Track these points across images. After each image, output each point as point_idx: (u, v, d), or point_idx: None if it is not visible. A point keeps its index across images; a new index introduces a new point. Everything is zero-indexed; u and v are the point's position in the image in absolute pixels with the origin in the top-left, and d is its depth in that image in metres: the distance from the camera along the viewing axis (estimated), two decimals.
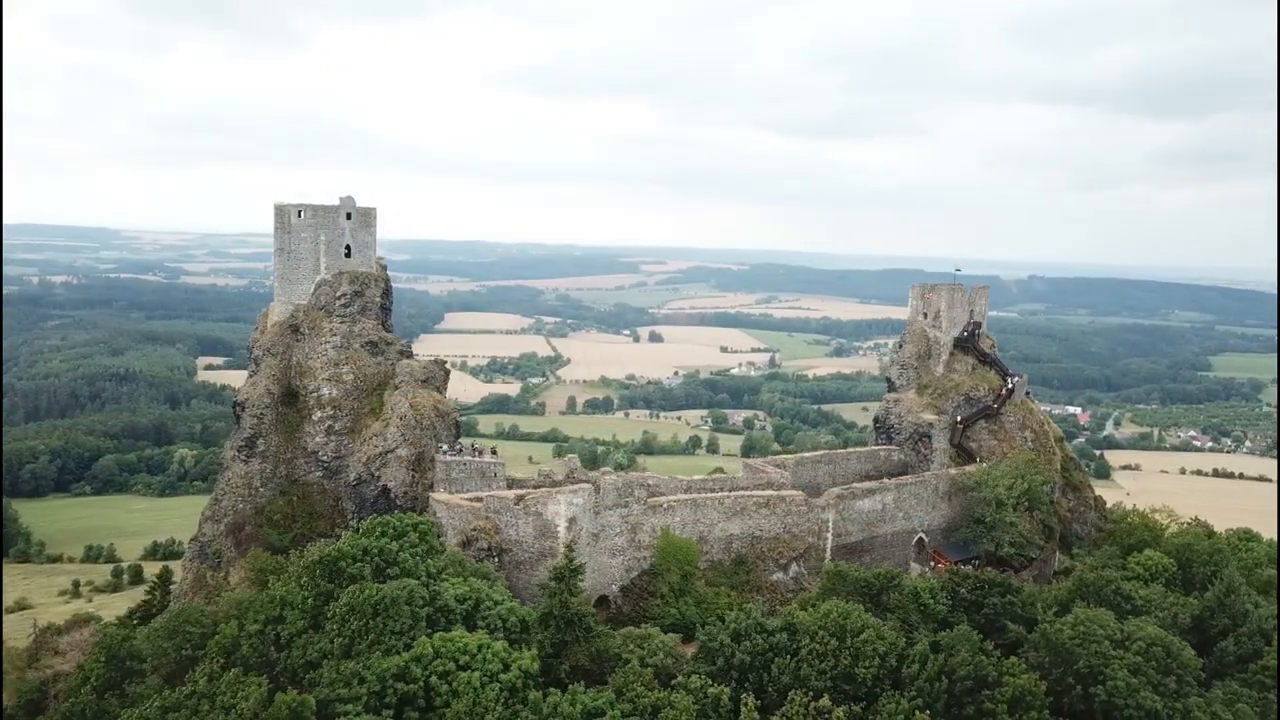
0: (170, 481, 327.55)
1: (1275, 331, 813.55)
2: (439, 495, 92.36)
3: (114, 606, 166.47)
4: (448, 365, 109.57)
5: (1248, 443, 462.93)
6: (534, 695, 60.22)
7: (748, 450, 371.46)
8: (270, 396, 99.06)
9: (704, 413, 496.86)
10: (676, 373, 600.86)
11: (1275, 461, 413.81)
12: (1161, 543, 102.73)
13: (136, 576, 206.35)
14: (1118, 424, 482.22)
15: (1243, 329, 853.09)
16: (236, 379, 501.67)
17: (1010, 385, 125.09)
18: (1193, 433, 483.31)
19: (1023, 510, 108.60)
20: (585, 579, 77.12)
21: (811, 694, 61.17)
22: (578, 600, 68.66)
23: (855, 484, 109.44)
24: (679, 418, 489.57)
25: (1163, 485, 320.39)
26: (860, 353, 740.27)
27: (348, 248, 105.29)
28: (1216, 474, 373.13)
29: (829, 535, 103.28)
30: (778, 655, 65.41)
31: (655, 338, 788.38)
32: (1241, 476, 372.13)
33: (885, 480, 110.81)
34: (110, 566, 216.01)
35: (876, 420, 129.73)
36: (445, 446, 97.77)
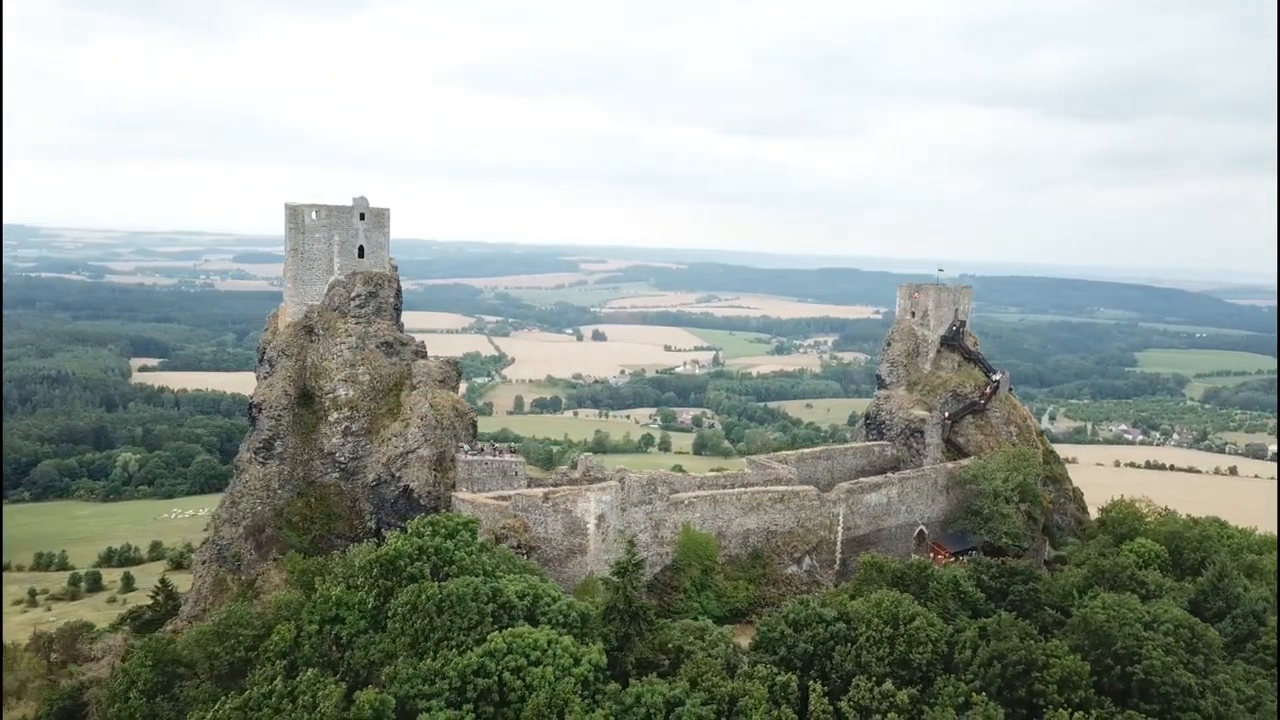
0: (114, 486, 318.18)
1: (1198, 329, 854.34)
2: (463, 495, 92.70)
3: (79, 614, 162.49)
4: (459, 366, 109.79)
5: (1175, 436, 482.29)
6: (612, 687, 61.38)
7: (699, 448, 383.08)
8: (287, 398, 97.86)
9: (652, 411, 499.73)
10: (623, 371, 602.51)
11: (1203, 454, 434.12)
12: (1150, 531, 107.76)
13: (95, 584, 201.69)
14: (1053, 419, 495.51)
15: (1164, 325, 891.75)
16: (173, 380, 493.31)
17: (995, 381, 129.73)
18: (1123, 426, 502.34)
19: (1015, 502, 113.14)
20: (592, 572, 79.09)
21: (874, 679, 63.58)
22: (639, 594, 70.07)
23: (862, 478, 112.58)
24: (628, 416, 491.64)
25: (1100, 478, 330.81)
26: (801, 351, 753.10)
27: (360, 248, 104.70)
28: (1149, 466, 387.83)
29: (839, 529, 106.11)
30: (838, 643, 67.63)
31: (599, 336, 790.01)
32: (1172, 468, 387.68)
33: (890, 474, 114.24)
34: (64, 574, 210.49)
35: (867, 416, 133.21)
36: (466, 446, 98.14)
